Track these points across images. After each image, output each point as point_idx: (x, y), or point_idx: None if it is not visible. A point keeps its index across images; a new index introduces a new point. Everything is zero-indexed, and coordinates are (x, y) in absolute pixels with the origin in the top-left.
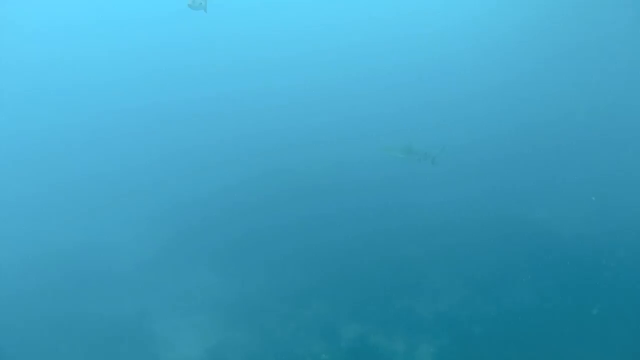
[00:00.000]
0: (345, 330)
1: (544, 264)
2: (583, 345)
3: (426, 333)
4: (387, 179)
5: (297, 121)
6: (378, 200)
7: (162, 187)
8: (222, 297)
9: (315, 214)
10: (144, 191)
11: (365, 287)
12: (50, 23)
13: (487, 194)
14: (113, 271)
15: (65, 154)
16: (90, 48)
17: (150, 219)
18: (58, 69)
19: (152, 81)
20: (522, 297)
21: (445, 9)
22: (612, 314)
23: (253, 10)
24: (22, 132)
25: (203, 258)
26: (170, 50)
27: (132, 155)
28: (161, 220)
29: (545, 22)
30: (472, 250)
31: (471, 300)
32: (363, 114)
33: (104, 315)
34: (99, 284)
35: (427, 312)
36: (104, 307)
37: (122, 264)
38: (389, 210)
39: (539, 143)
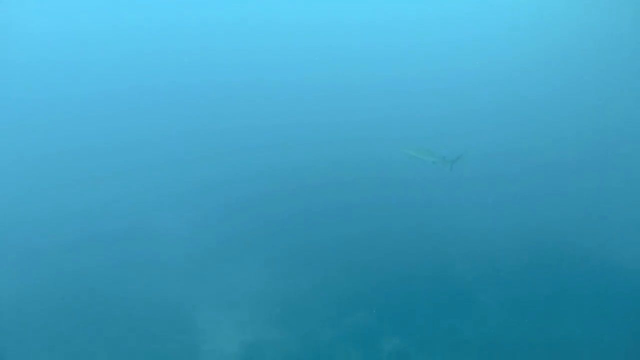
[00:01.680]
0: (386, 343)
1: (596, 296)
2: None
3: (469, 355)
4: (441, 200)
5: (350, 116)
6: (433, 218)
7: (221, 183)
8: (265, 294)
9: (370, 224)
10: (203, 185)
11: (411, 302)
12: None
13: (542, 219)
14: (161, 257)
15: (127, 142)
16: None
17: (205, 211)
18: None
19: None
20: (571, 328)
21: (486, 19)
22: None
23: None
24: (87, 119)
25: (251, 254)
26: (227, 30)
27: (194, 148)
28: (215, 213)
29: (585, 40)
30: (523, 275)
31: (518, 327)
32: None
33: (149, 299)
34: (147, 268)
35: (472, 334)
36: (149, 291)
37: (172, 252)
38: (444, 228)
39: (597, 169)
